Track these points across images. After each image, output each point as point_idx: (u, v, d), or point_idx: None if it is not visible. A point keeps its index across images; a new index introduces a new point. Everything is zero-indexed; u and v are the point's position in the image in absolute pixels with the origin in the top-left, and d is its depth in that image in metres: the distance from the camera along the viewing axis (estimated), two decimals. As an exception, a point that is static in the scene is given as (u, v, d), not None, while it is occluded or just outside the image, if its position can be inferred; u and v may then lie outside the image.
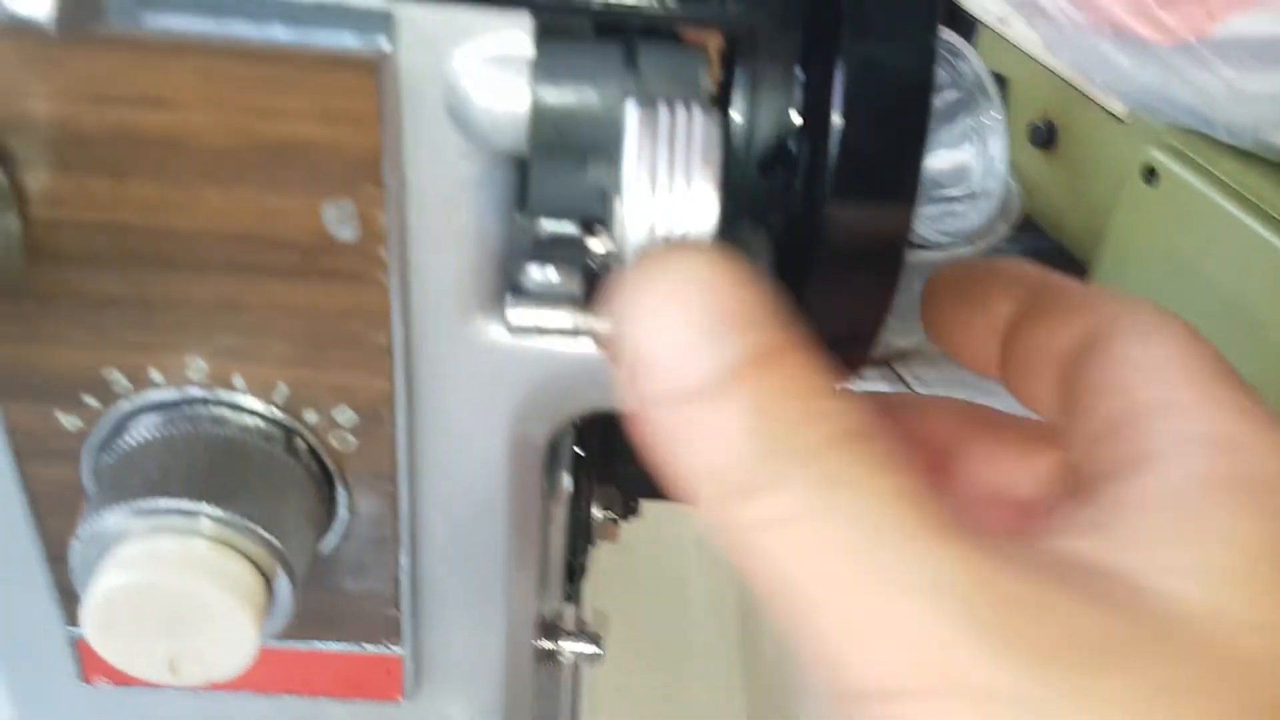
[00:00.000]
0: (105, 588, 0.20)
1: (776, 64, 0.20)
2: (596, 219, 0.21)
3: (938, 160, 0.79)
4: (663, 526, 0.49)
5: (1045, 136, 0.78)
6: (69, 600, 0.24)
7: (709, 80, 0.19)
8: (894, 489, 0.15)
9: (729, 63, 0.20)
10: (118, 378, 0.21)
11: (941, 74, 0.76)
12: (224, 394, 0.22)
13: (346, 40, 0.18)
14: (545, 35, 0.19)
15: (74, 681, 0.26)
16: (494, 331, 0.22)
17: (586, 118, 0.19)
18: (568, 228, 0.22)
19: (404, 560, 0.25)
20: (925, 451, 0.24)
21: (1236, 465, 0.16)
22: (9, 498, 0.23)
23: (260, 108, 0.18)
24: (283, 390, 0.22)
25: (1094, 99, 0.73)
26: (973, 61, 0.74)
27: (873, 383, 0.75)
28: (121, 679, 0.26)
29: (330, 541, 0.24)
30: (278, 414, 0.22)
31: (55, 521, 0.23)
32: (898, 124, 0.19)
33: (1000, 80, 0.81)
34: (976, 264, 0.23)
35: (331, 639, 0.26)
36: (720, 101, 0.20)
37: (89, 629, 0.20)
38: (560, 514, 0.31)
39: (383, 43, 0.18)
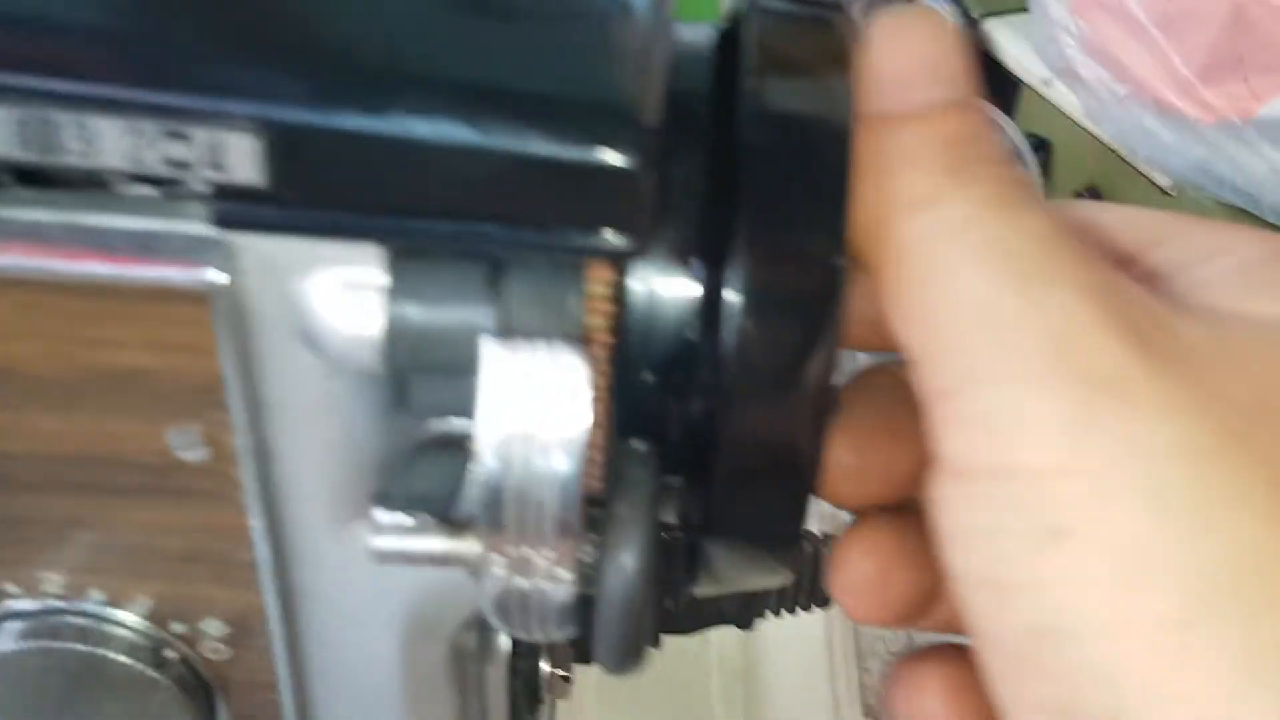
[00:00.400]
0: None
1: (672, 259, 0.18)
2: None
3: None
4: (683, 654, 0.47)
5: (1088, 205, 0.74)
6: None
7: (585, 301, 0.17)
8: (1052, 219, 0.17)
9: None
10: (-29, 590, 0.20)
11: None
12: (86, 604, 0.20)
13: (172, 274, 0.16)
14: (404, 254, 0.17)
15: None
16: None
17: (443, 342, 0.17)
18: (456, 425, 0.20)
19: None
20: None
21: None
22: None
23: (89, 339, 0.17)
24: (145, 603, 0.20)
25: (1139, 169, 0.70)
26: (1009, 131, 0.71)
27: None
28: None
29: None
30: (141, 626, 0.20)
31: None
32: (804, 318, 0.17)
33: (1044, 145, 0.78)
34: None
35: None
36: (616, 301, 0.18)
37: None
38: (497, 675, 0.29)
39: (213, 274, 0.16)
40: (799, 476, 0.18)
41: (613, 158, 0.15)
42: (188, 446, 0.18)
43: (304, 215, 0.16)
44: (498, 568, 0.17)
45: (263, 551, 0.20)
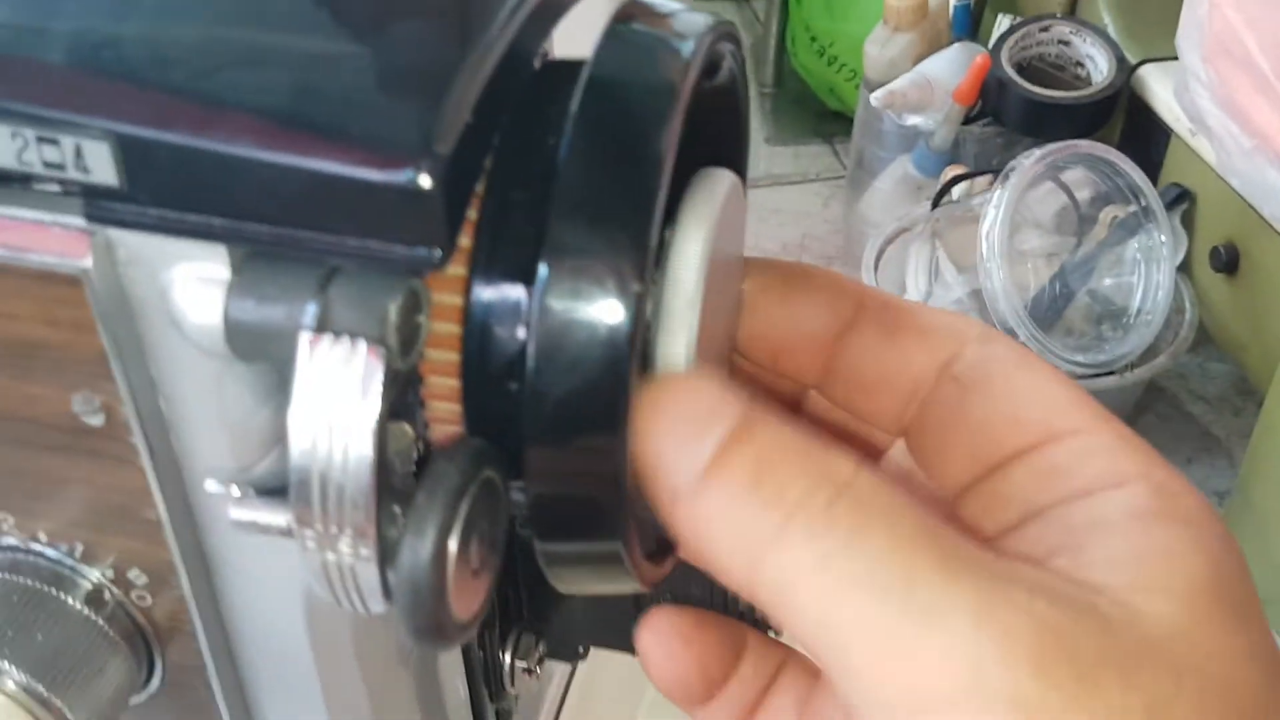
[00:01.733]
0: None
1: (509, 275, 0.20)
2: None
3: (1103, 286, 0.73)
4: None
5: (1225, 261, 0.70)
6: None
7: (402, 309, 0.19)
8: (902, 524, 0.17)
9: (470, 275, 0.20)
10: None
11: (1103, 184, 0.71)
12: (36, 545, 0.24)
13: (51, 260, 0.19)
14: (252, 255, 0.20)
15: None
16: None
17: (270, 335, 0.19)
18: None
19: (222, 707, 0.26)
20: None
21: (1167, 503, 0.19)
22: None
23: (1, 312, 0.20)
24: (79, 549, 0.23)
25: (1275, 226, 0.65)
26: (1134, 176, 0.68)
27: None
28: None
29: (152, 688, 0.26)
30: (84, 570, 0.24)
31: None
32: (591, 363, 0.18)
33: (1187, 195, 0.75)
34: (787, 267, 0.23)
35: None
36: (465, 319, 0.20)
37: None
38: (451, 662, 0.31)
39: (84, 262, 0.19)
40: (596, 506, 0.19)
41: (393, 178, 0.17)
42: (90, 412, 0.21)
43: (155, 215, 0.19)
44: (310, 542, 0.19)
45: (164, 511, 0.22)
